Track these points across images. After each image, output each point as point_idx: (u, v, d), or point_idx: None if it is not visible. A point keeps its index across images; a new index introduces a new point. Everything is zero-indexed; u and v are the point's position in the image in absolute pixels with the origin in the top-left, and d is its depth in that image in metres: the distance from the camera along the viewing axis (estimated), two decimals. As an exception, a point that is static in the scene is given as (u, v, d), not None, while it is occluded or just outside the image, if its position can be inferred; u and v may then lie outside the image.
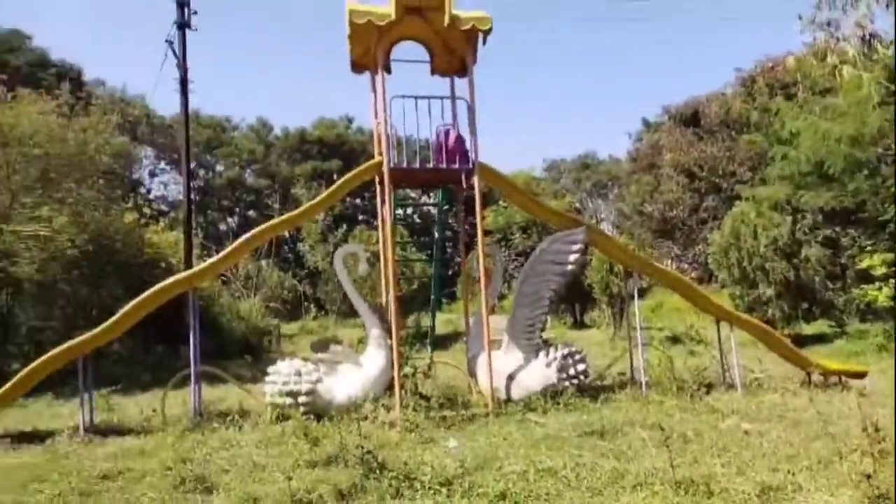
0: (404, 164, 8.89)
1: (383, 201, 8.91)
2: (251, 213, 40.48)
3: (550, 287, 8.85)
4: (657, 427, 7.09)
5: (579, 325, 22.29)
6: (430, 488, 5.16)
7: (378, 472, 5.45)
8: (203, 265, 8.58)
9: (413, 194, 25.85)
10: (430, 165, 8.89)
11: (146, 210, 18.56)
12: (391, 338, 8.30)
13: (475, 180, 8.69)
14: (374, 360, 8.50)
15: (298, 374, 8.14)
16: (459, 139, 8.92)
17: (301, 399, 8.02)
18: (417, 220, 31.90)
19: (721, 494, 5.08)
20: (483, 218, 8.95)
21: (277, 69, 70.96)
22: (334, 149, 42.15)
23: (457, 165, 8.73)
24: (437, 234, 10.45)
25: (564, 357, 8.78)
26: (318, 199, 9.11)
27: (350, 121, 44.84)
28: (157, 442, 7.09)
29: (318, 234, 26.48)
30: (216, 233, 37.98)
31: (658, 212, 28.06)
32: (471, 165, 8.73)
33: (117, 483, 5.69)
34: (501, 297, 18.92)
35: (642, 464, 5.77)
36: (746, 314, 11.62)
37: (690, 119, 29.04)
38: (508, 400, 8.51)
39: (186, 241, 15.54)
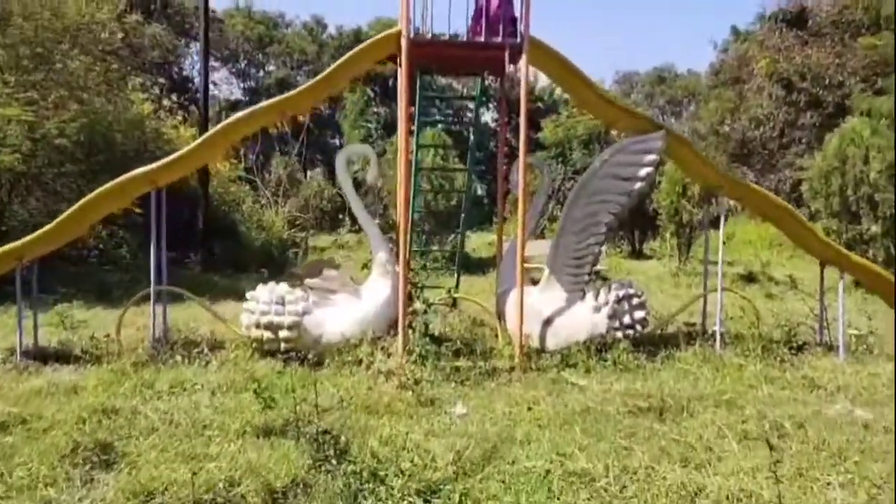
0: (429, 36, 6.87)
1: (402, 85, 6.88)
2: (301, 116, 38.69)
3: (610, 211, 6.84)
4: (736, 406, 5.35)
5: (637, 254, 20.11)
6: (402, 497, 3.52)
7: (336, 460, 3.83)
8: (167, 159, 6.93)
9: (454, 89, 23.37)
10: (465, 39, 6.86)
11: (165, 102, 16.70)
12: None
13: (523, 62, 6.59)
14: (376, 290, 6.79)
15: (282, 302, 6.53)
16: (506, 1, 6.73)
17: (283, 333, 6.43)
18: (468, 132, 29.60)
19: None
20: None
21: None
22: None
23: (500, 38, 6.62)
24: (472, 138, 8.48)
25: (619, 300, 6.89)
26: (315, 80, 7.27)
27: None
28: (99, 377, 5.73)
29: (360, 140, 24.66)
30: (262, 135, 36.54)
31: (740, 130, 24.90)
32: (519, 39, 6.60)
33: (7, 440, 4.29)
34: (552, 219, 16.88)
35: (723, 473, 3.96)
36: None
37: (795, 19, 24.95)
38: (542, 350, 6.73)
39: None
